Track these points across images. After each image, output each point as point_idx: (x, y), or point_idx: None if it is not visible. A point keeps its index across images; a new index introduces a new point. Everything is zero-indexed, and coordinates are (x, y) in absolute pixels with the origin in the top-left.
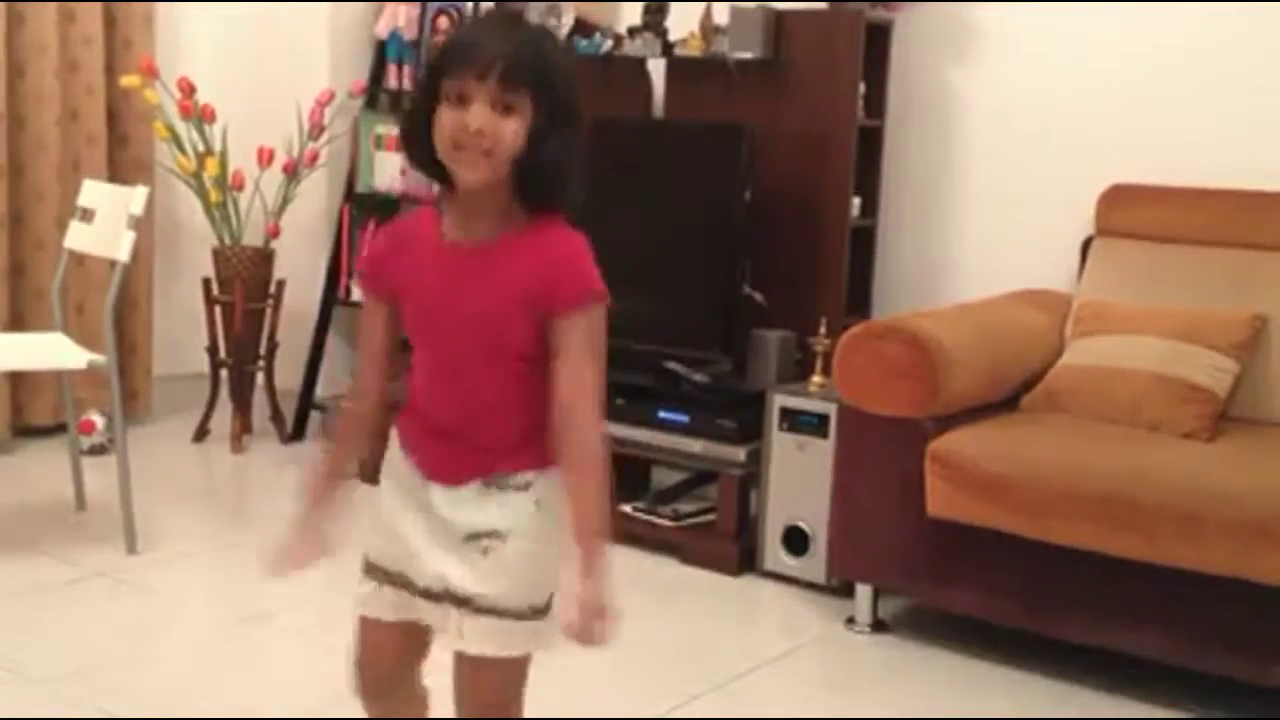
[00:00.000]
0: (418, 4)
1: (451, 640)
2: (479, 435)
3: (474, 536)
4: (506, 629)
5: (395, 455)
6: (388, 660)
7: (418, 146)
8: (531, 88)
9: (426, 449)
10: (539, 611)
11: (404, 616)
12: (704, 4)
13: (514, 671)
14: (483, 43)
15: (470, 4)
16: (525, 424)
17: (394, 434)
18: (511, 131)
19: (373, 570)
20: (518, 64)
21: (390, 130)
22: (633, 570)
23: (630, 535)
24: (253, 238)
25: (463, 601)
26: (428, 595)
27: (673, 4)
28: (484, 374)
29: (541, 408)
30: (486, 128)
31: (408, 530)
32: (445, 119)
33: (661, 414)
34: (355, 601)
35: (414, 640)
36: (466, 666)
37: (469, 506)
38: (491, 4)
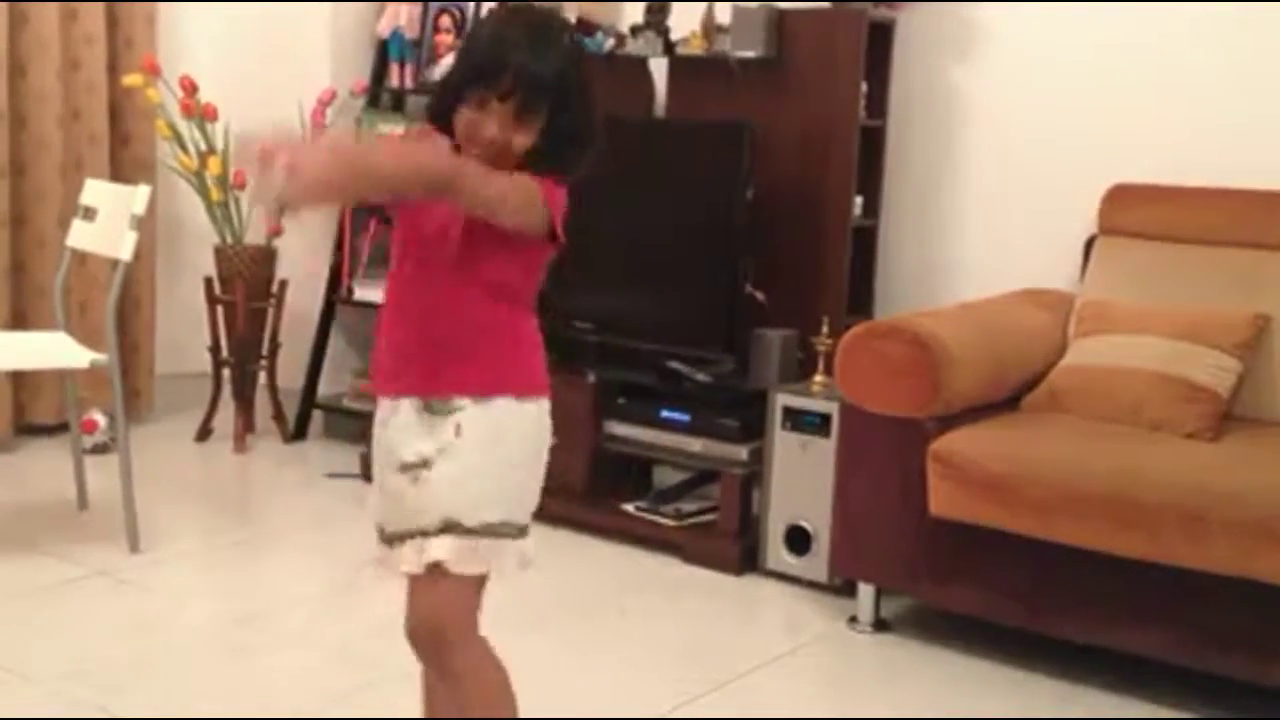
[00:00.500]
0: (419, 3)
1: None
2: (427, 350)
3: (408, 466)
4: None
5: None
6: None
7: (439, 115)
8: (549, 105)
9: (386, 372)
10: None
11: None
12: (706, 3)
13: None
14: (511, 60)
15: (472, 4)
16: (471, 339)
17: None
18: (521, 142)
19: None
20: (540, 87)
21: (392, 129)
22: (635, 570)
23: (632, 535)
24: (255, 237)
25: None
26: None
27: (675, 3)
28: (449, 287)
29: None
30: (500, 140)
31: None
32: (465, 118)
33: (664, 413)
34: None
35: None
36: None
37: (405, 432)
38: (495, 3)
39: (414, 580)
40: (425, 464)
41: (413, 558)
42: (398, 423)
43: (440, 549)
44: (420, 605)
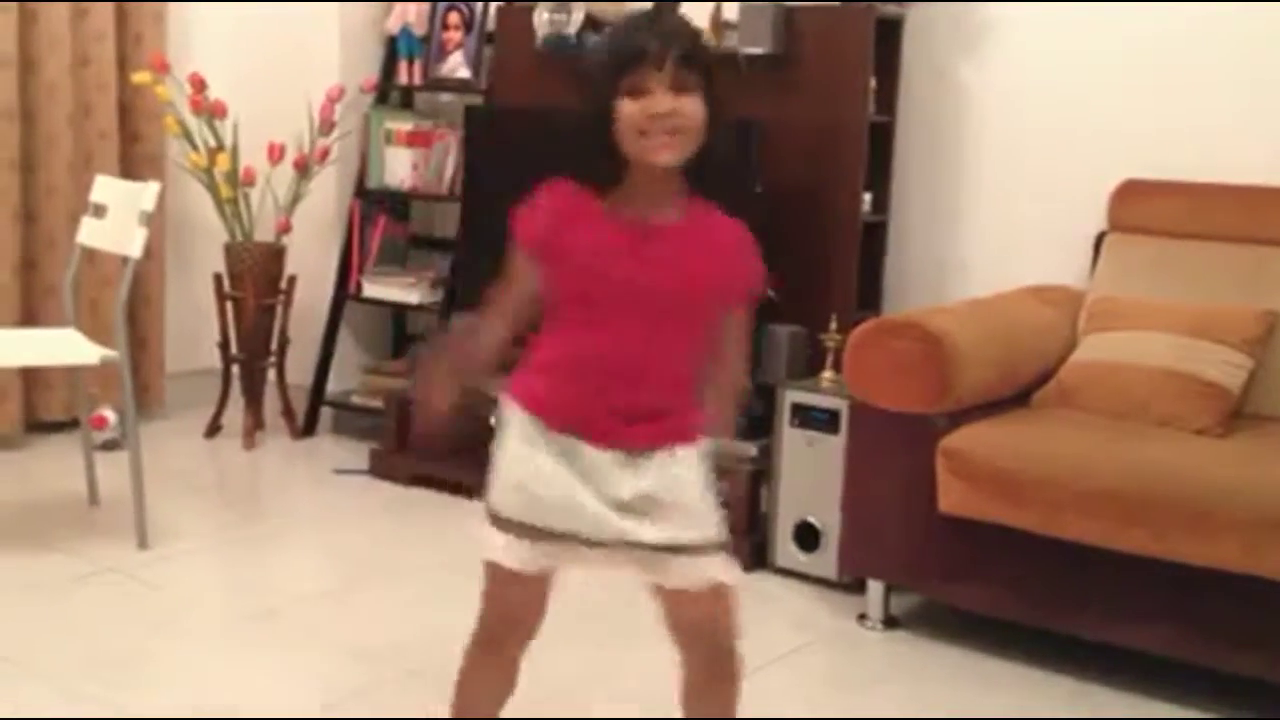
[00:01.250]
0: (428, 0)
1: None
2: (658, 402)
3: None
4: None
5: (524, 417)
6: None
7: (594, 146)
8: (702, 74)
9: (593, 413)
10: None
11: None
12: (714, 0)
13: None
14: (653, 36)
15: (480, 1)
16: (688, 393)
17: (508, 398)
18: (695, 108)
19: (513, 526)
20: (691, 50)
21: (401, 125)
22: None
23: None
24: (264, 233)
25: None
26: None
27: (682, 1)
28: (671, 345)
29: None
30: (673, 108)
31: (569, 490)
32: (628, 111)
33: None
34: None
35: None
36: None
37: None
38: (499, 3)
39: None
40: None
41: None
42: (614, 467)
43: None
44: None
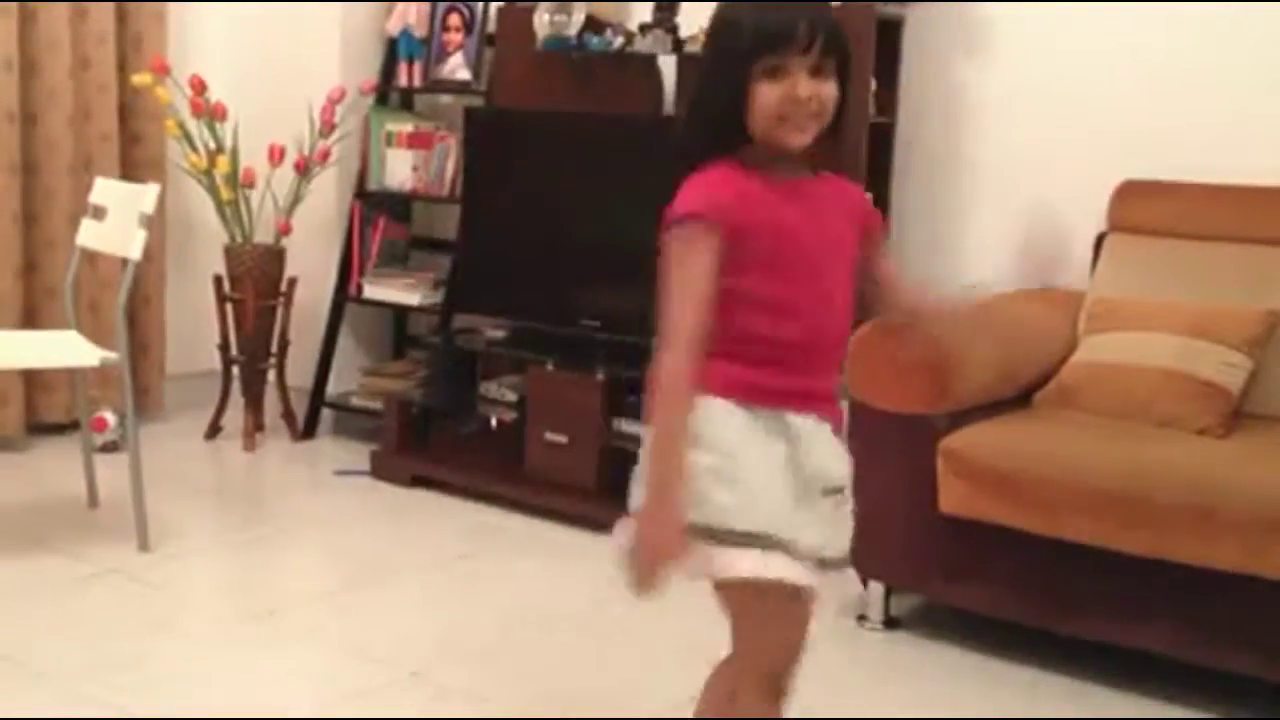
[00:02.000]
0: (428, 2)
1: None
2: (834, 361)
3: (833, 490)
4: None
5: (730, 409)
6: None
7: (724, 127)
8: (839, 56)
9: (795, 385)
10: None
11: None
12: (715, 1)
13: None
14: (797, 18)
15: (480, 2)
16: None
17: (707, 397)
18: (831, 93)
19: (758, 539)
20: (834, 35)
21: (401, 127)
22: None
23: None
24: (264, 235)
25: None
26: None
27: (683, 1)
28: (843, 298)
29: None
30: (813, 94)
31: (780, 487)
32: (765, 93)
33: None
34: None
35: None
36: None
37: (828, 451)
38: (500, 4)
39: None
40: (842, 491)
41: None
42: (817, 438)
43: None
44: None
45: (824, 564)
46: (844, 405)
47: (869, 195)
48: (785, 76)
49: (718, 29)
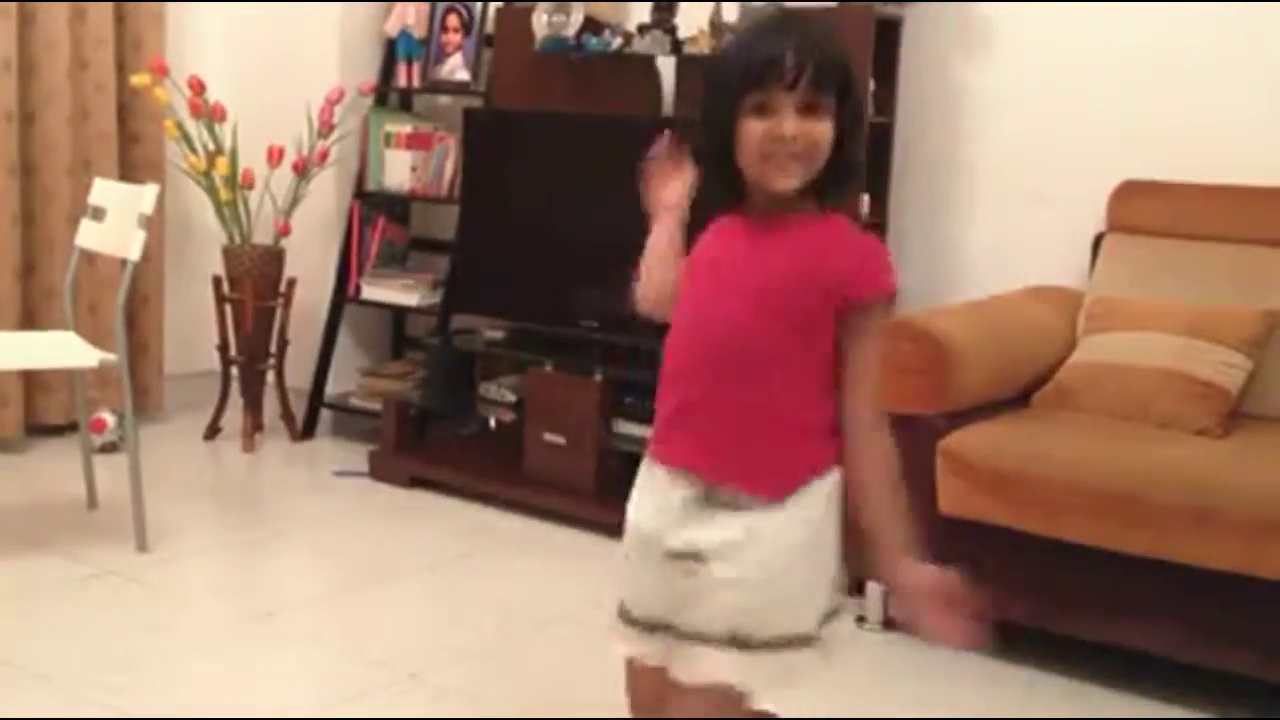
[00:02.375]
0: (427, 2)
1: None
2: (727, 405)
3: (680, 554)
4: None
5: (646, 465)
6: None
7: (715, 164)
8: (835, 91)
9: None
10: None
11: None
12: (713, 1)
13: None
14: (784, 51)
15: (479, 3)
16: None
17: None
18: (822, 134)
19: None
20: (825, 68)
21: (399, 128)
22: None
23: None
24: (263, 236)
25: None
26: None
27: (682, 2)
28: (757, 349)
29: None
30: (799, 133)
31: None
32: (751, 131)
33: None
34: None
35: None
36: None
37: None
38: (498, 5)
39: None
40: (696, 556)
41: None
42: (670, 496)
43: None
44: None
45: (737, 642)
46: (822, 483)
47: (873, 263)
48: (772, 114)
49: (713, 62)
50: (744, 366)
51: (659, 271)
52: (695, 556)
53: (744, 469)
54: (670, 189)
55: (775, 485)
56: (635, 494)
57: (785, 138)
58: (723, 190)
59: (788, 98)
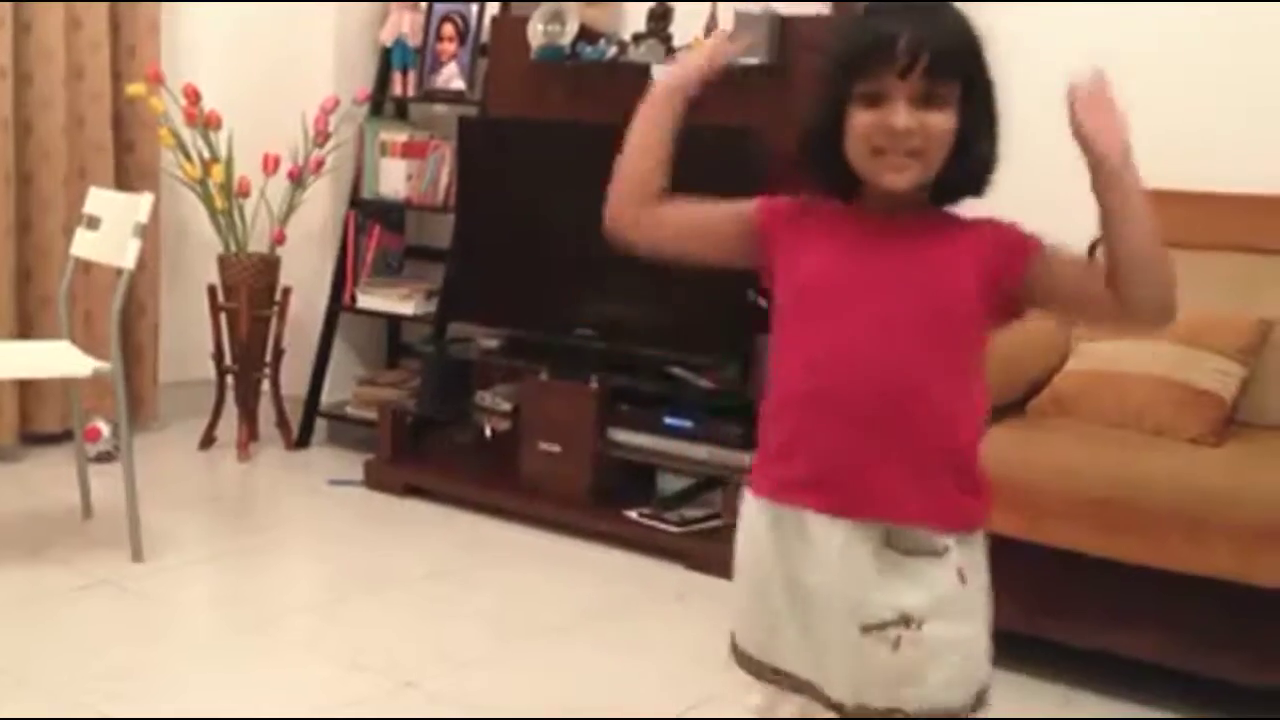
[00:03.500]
0: (422, 11)
1: None
2: (886, 436)
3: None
4: None
5: (754, 514)
6: None
7: (820, 156)
8: (960, 78)
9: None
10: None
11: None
12: (708, 9)
13: None
14: (897, 33)
15: (475, 8)
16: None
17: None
18: (942, 127)
19: (747, 662)
20: (945, 54)
21: (395, 136)
22: (638, 577)
23: (635, 541)
24: (258, 245)
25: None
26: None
27: (677, 10)
28: (897, 356)
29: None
30: (915, 126)
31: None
32: (859, 122)
33: (667, 420)
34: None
35: None
36: None
37: (852, 571)
38: (497, 4)
39: None
40: (885, 627)
41: None
42: (830, 546)
43: None
44: None
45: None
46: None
47: (1005, 229)
48: (884, 103)
49: (824, 43)
50: (916, 408)
51: (641, 166)
52: (881, 626)
53: (932, 504)
54: (687, 61)
55: (965, 514)
56: (768, 543)
57: (897, 131)
58: (830, 185)
59: (901, 86)
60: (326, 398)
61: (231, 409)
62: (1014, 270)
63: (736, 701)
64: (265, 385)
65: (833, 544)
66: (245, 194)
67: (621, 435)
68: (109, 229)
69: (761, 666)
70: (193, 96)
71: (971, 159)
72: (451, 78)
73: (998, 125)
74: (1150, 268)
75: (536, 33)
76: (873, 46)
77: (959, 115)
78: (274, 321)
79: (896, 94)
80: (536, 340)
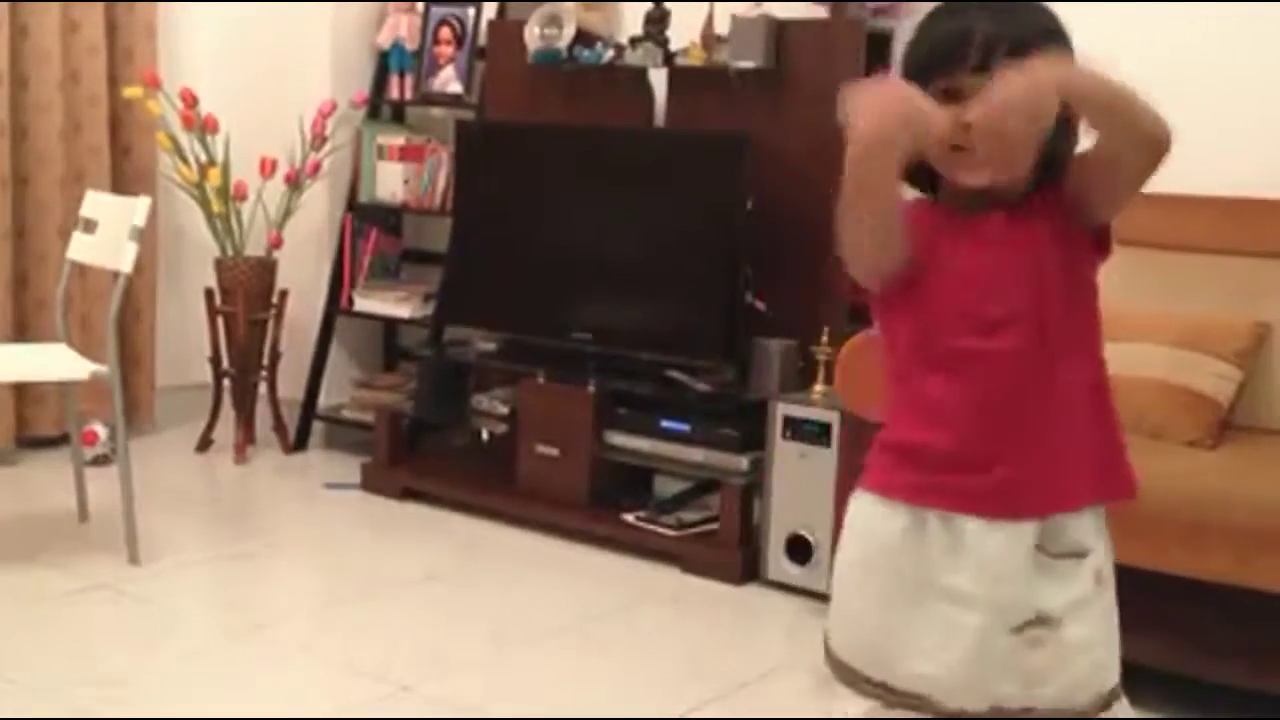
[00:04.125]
0: (419, 14)
1: None
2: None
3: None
4: None
5: (881, 519)
6: None
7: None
8: None
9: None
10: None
11: None
12: (705, 13)
13: None
14: (972, 26)
15: (472, 11)
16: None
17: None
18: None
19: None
20: (1024, 47)
21: (392, 140)
22: (635, 580)
23: (633, 545)
24: (255, 248)
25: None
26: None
27: (674, 14)
28: (1033, 348)
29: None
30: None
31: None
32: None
33: (664, 423)
34: None
35: None
36: None
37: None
38: (494, 7)
39: None
40: (1048, 624)
41: None
42: (988, 547)
43: None
44: None
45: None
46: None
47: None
48: (961, 99)
49: (909, 40)
50: (1035, 405)
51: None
52: (1041, 623)
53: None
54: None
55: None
56: (911, 549)
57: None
58: (915, 181)
59: (976, 82)
60: (323, 401)
61: (228, 412)
62: (1065, 206)
63: (826, 711)
64: (262, 388)
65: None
66: (242, 197)
67: (618, 438)
68: (106, 232)
69: (857, 676)
70: (190, 100)
71: (1055, 153)
72: (448, 81)
73: (1073, 122)
74: (1131, 131)
75: (533, 36)
76: (950, 40)
77: None
78: (271, 325)
79: (973, 90)
80: (533, 343)
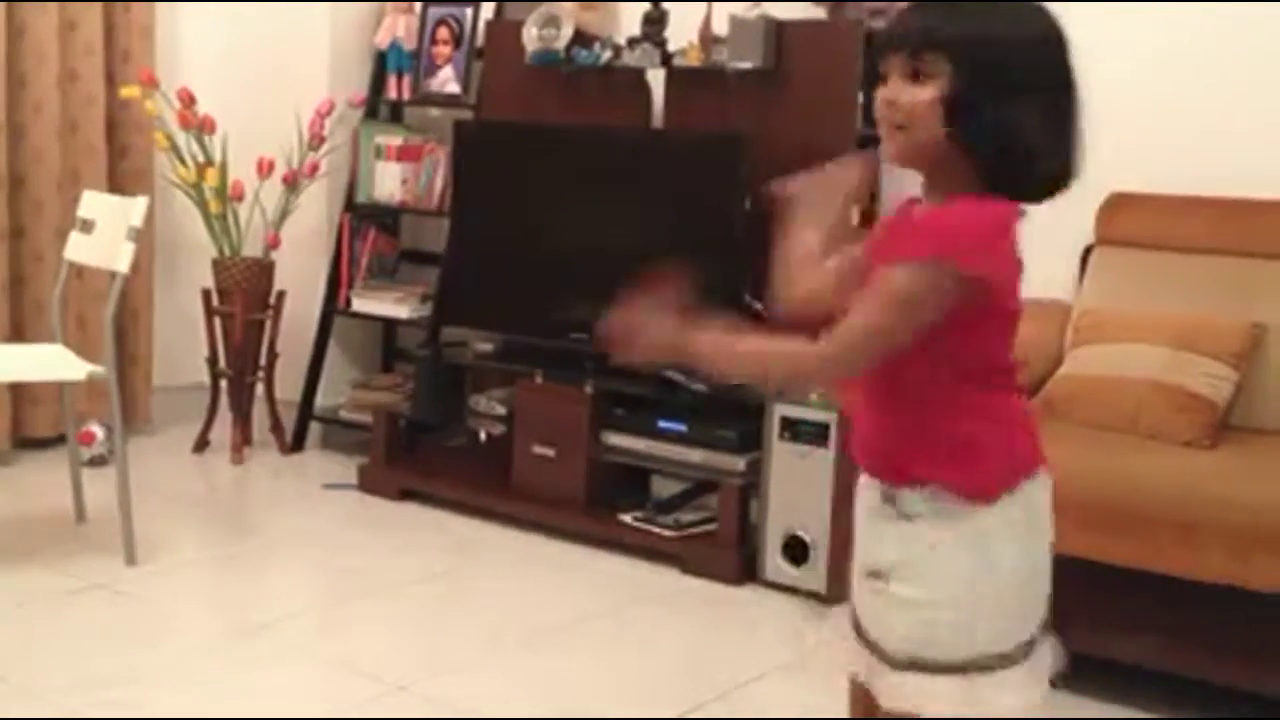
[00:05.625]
0: (417, 14)
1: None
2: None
3: (868, 572)
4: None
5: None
6: None
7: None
8: (947, 51)
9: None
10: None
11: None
12: (703, 13)
13: None
14: (911, 16)
15: (469, 11)
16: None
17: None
18: (922, 100)
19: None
20: (933, 30)
21: (390, 140)
22: (633, 580)
23: (631, 545)
24: (252, 248)
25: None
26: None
27: (672, 14)
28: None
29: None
30: (894, 98)
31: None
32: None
33: (661, 423)
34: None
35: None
36: None
37: (864, 525)
38: (492, 8)
39: None
40: (879, 575)
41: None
42: (860, 504)
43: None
44: None
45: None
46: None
47: (934, 223)
48: (885, 81)
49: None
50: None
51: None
52: (875, 574)
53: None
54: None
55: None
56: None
57: (884, 102)
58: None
59: (894, 61)
60: (321, 401)
61: (225, 413)
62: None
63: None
64: (259, 389)
65: None
66: (240, 198)
67: (616, 439)
68: (103, 233)
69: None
70: (187, 100)
71: (977, 131)
72: (446, 81)
73: (1029, 105)
74: None
75: (531, 36)
76: (886, 31)
77: (950, 91)
78: (268, 325)
79: (892, 69)
80: (531, 344)
